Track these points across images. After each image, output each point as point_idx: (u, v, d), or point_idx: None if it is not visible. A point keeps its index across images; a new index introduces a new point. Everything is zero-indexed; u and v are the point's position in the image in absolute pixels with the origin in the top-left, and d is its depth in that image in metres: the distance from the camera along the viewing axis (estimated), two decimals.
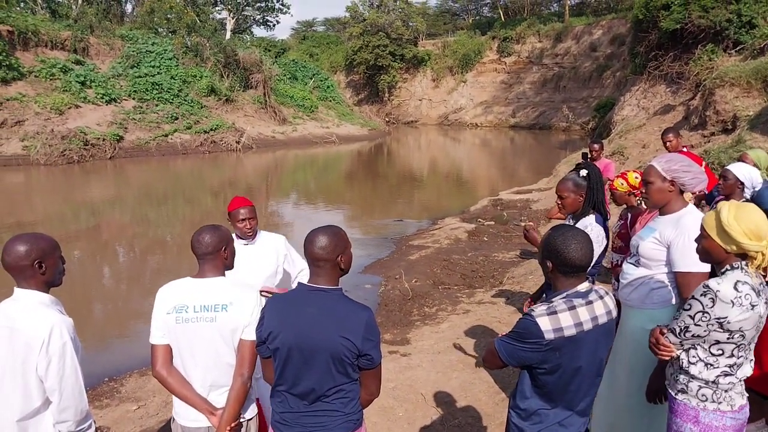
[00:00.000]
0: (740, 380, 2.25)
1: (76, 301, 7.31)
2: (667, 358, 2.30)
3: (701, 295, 2.13)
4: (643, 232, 2.96)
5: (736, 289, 2.10)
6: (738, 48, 14.36)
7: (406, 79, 48.76)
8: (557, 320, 2.02)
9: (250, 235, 3.43)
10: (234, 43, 30.81)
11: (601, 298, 2.14)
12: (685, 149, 5.87)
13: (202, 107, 24.83)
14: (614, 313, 2.18)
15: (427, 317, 6.33)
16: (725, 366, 2.21)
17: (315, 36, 61.51)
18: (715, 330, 2.13)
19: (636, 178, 4.28)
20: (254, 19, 45.91)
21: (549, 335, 2.00)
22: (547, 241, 2.14)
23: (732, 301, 2.08)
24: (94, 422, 2.44)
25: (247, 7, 43.52)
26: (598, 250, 3.32)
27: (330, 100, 35.16)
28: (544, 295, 3.45)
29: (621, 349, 2.94)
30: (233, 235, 3.03)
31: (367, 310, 2.16)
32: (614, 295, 2.70)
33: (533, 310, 2.07)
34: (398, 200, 15.53)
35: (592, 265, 2.23)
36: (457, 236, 10.11)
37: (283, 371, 2.17)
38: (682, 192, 2.87)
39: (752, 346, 2.25)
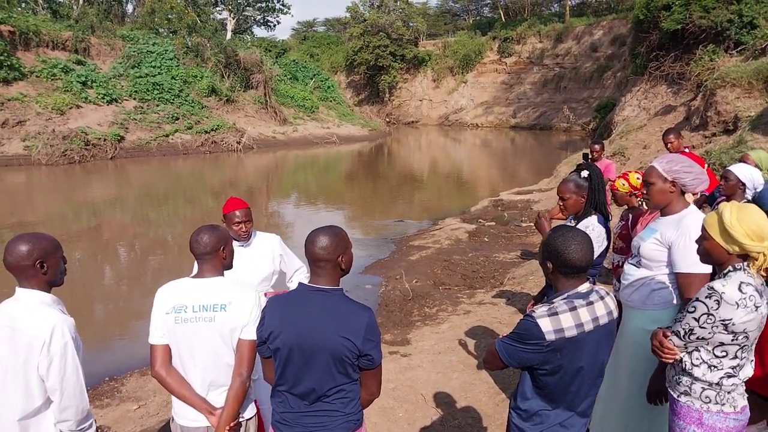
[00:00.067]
0: (742, 381, 2.25)
1: (78, 301, 7.32)
2: (671, 362, 2.29)
3: (706, 297, 2.12)
4: (644, 233, 2.95)
5: (740, 290, 2.10)
6: (739, 48, 14.36)
7: (407, 79, 48.77)
8: (558, 321, 2.02)
9: (245, 238, 3.41)
10: (235, 44, 30.83)
11: (602, 298, 2.14)
12: (687, 150, 5.87)
13: (202, 107, 24.84)
14: (615, 314, 2.18)
15: (428, 318, 6.33)
16: (729, 368, 2.20)
17: (315, 36, 61.53)
18: (719, 332, 2.13)
19: (637, 178, 4.27)
20: (255, 20, 45.94)
21: (550, 336, 2.00)
22: (548, 242, 2.14)
23: (737, 303, 2.08)
24: (95, 421, 2.44)
25: (247, 8, 43.55)
26: (597, 250, 3.32)
27: (330, 101, 35.18)
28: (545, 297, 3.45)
29: (622, 350, 2.93)
30: None
31: (367, 311, 2.16)
32: (615, 296, 2.69)
33: (534, 311, 2.07)
34: (399, 201, 15.54)
35: (592, 265, 2.23)
36: (458, 237, 10.11)
37: (284, 371, 2.17)
38: (683, 193, 2.87)
39: (753, 346, 2.25)
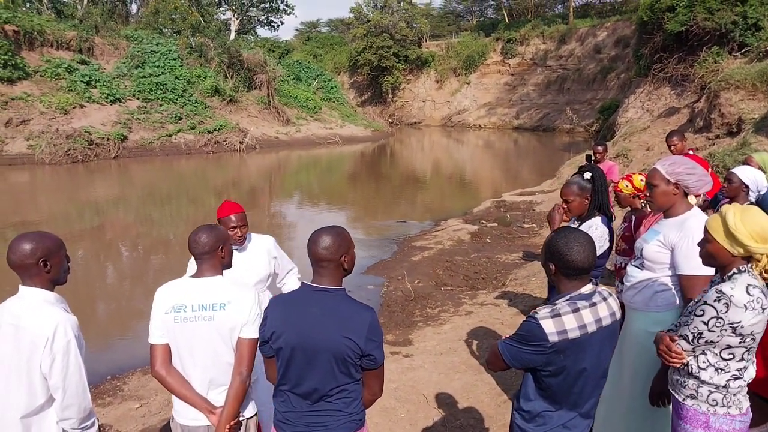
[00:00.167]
0: (746, 383, 2.24)
1: (80, 300, 7.33)
2: (678, 366, 2.28)
3: (715, 300, 2.12)
4: (647, 235, 2.95)
5: (748, 293, 2.10)
6: (743, 50, 14.32)
7: (410, 80, 48.75)
8: (561, 323, 2.01)
9: (240, 243, 3.37)
10: (238, 44, 30.87)
11: (605, 299, 2.14)
12: (690, 152, 5.85)
13: (206, 107, 24.88)
14: (618, 315, 2.18)
15: (430, 318, 6.33)
16: (735, 370, 2.20)
17: (319, 37, 61.55)
18: (728, 335, 2.12)
19: (641, 180, 4.27)
20: (258, 20, 45.93)
21: (553, 338, 2.00)
22: (550, 244, 2.14)
23: (745, 305, 2.08)
24: (97, 420, 2.45)
25: (251, 8, 43.55)
26: (599, 250, 3.32)
27: (333, 101, 35.20)
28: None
29: (625, 351, 2.93)
30: None
31: (370, 311, 2.16)
32: (618, 297, 2.69)
33: (537, 313, 2.07)
34: (401, 201, 15.54)
35: (595, 267, 2.23)
36: (460, 238, 10.11)
37: (286, 371, 2.17)
38: (686, 195, 2.86)
39: (755, 348, 2.25)
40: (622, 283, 3.08)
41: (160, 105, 23.58)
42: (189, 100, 24.49)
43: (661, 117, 15.18)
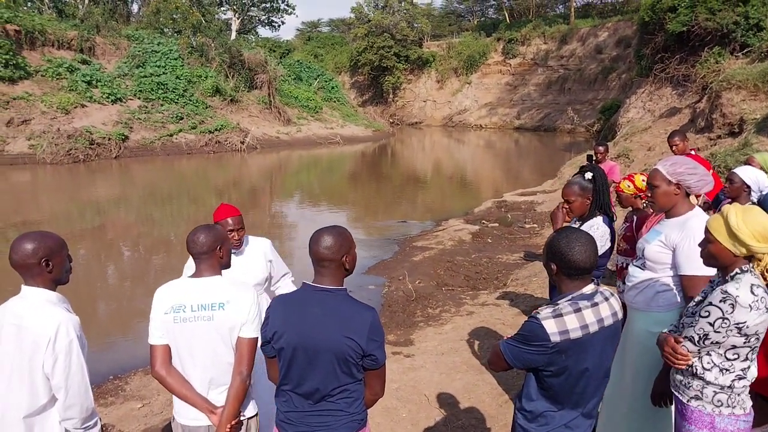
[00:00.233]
0: (750, 382, 2.24)
1: (82, 300, 7.33)
2: (683, 368, 2.27)
3: (720, 301, 2.11)
4: (648, 235, 2.95)
5: (752, 292, 2.10)
6: (745, 51, 14.31)
7: (411, 80, 48.76)
8: (563, 323, 2.01)
9: (237, 246, 3.34)
10: (239, 44, 30.88)
11: (607, 300, 2.14)
12: (692, 152, 5.84)
13: (207, 107, 24.89)
14: (620, 315, 2.18)
15: (431, 318, 6.33)
16: (740, 370, 2.20)
17: (320, 37, 61.56)
18: (733, 335, 2.12)
19: (643, 180, 4.26)
20: (259, 20, 45.95)
21: (555, 338, 2.00)
22: (551, 244, 2.14)
23: (750, 306, 2.08)
24: (100, 420, 2.45)
25: (252, 8, 43.57)
26: (600, 250, 3.31)
27: (334, 101, 35.19)
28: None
29: (626, 351, 2.93)
30: None
31: (371, 311, 2.17)
32: (619, 297, 2.69)
33: (539, 313, 2.07)
34: (402, 201, 15.53)
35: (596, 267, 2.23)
36: (461, 238, 10.10)
37: (288, 371, 2.18)
38: (688, 195, 2.86)
39: (758, 347, 2.25)
40: (624, 283, 3.08)
41: (161, 105, 23.59)
42: (190, 100, 24.51)
43: (663, 117, 15.17)
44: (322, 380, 2.13)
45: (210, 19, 32.25)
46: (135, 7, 37.90)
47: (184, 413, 2.46)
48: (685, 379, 2.30)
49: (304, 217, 13.28)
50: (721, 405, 2.22)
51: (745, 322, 2.08)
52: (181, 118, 23.46)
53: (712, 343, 2.17)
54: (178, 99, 24.17)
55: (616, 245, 4.18)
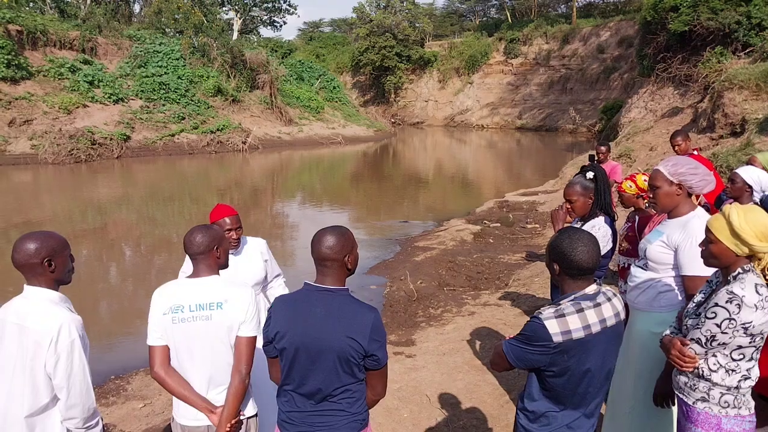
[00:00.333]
0: (754, 382, 2.24)
1: (84, 300, 7.34)
2: (690, 370, 2.26)
3: (727, 302, 2.10)
4: (650, 236, 2.95)
5: (757, 292, 2.10)
6: (747, 50, 14.27)
7: (413, 80, 48.74)
8: (565, 323, 2.01)
9: (235, 246, 3.33)
10: (241, 44, 30.89)
11: (609, 300, 2.14)
12: (695, 152, 5.83)
13: (208, 107, 24.91)
14: (623, 315, 2.18)
15: (433, 319, 6.32)
16: (745, 370, 2.20)
17: (322, 37, 61.59)
18: (739, 335, 2.11)
19: (645, 180, 4.25)
20: (261, 20, 45.95)
21: (557, 338, 2.00)
22: (554, 244, 2.14)
23: (755, 305, 2.08)
24: (101, 419, 2.45)
25: (254, 8, 43.60)
26: (602, 250, 3.31)
27: (336, 101, 35.19)
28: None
29: (628, 352, 2.93)
30: None
31: (373, 311, 2.17)
32: (621, 297, 2.69)
33: (541, 313, 2.07)
34: (403, 201, 15.54)
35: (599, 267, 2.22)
36: (463, 238, 10.10)
37: (290, 371, 2.18)
38: (690, 195, 2.86)
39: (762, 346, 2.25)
40: (626, 283, 3.07)
41: (163, 105, 23.62)
42: (192, 100, 24.53)
43: (665, 117, 15.15)
44: (323, 380, 2.13)
45: (212, 19, 32.26)
46: (137, 8, 38.01)
47: (183, 413, 2.46)
48: (691, 381, 2.29)
49: (305, 217, 13.29)
50: (728, 406, 2.21)
51: (751, 322, 2.08)
52: (183, 118, 23.49)
53: (719, 344, 2.16)
54: (179, 99, 24.20)
55: (617, 245, 4.17)
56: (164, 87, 24.16)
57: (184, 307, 2.37)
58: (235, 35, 38.62)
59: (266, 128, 26.56)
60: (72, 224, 11.77)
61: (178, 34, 29.28)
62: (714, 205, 4.79)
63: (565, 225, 3.56)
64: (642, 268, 2.93)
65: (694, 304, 2.38)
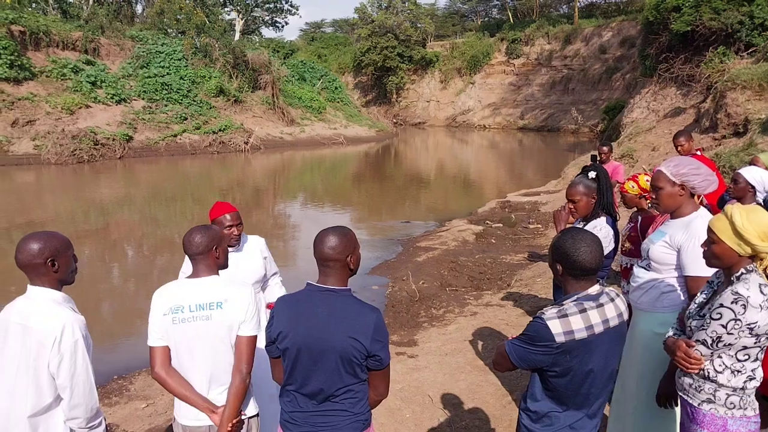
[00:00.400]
0: (759, 383, 2.23)
1: (86, 300, 7.35)
2: (696, 372, 2.25)
3: (732, 302, 2.10)
4: (653, 236, 2.95)
5: (762, 292, 2.09)
6: (750, 50, 14.24)
7: (414, 80, 48.74)
8: (568, 323, 2.01)
9: (236, 242, 3.33)
10: (243, 44, 30.90)
11: (612, 300, 2.13)
12: (698, 152, 5.82)
13: (210, 108, 24.93)
14: (626, 316, 2.17)
15: (435, 319, 6.32)
16: (750, 371, 2.19)
17: (323, 37, 61.61)
18: (745, 336, 2.11)
19: (647, 180, 4.25)
20: (263, 21, 45.99)
21: (560, 338, 2.00)
22: (557, 245, 2.14)
23: (760, 305, 2.07)
24: (104, 419, 2.45)
25: (256, 9, 43.64)
26: (604, 251, 3.31)
27: (338, 102, 35.19)
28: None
29: (631, 352, 2.92)
30: None
31: (376, 311, 2.17)
32: (624, 298, 2.69)
33: (544, 313, 2.07)
34: (405, 202, 15.53)
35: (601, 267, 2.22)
36: (465, 238, 10.09)
37: (293, 371, 2.18)
38: (692, 195, 2.85)
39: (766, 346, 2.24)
40: (629, 283, 3.07)
41: (165, 105, 23.65)
42: (194, 101, 24.57)
43: (667, 117, 15.12)
44: (326, 380, 2.13)
45: (214, 19, 32.32)
46: (139, 8, 38.06)
47: (185, 414, 2.47)
48: (696, 382, 2.27)
49: (307, 218, 13.29)
50: (734, 407, 2.20)
51: (756, 322, 2.07)
52: (185, 119, 23.52)
53: (724, 345, 2.15)
54: (182, 99, 24.23)
55: (620, 246, 4.17)
56: (166, 87, 24.20)
57: (184, 307, 2.38)
58: (237, 36, 38.66)
59: (268, 129, 26.58)
60: (75, 224, 11.79)
61: (180, 35, 29.33)
62: (717, 205, 4.78)
63: (568, 225, 3.56)
64: (645, 269, 2.92)
65: (695, 305, 2.37)
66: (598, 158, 6.84)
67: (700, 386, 2.26)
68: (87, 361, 2.26)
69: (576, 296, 2.09)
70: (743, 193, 4.02)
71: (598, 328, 2.04)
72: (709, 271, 2.47)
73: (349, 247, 2.19)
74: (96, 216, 12.91)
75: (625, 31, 37.73)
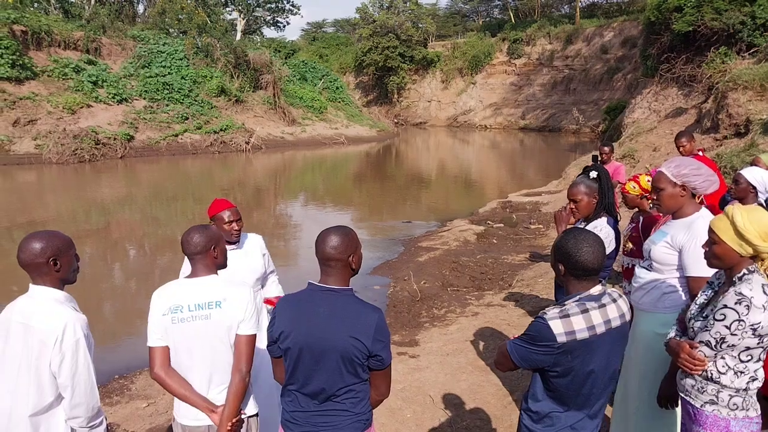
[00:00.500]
0: (761, 383, 2.23)
1: (88, 299, 7.36)
2: (699, 373, 2.24)
3: (736, 303, 2.09)
4: (655, 236, 2.95)
5: (765, 293, 2.09)
6: (752, 51, 14.23)
7: (416, 80, 48.73)
8: (569, 323, 2.01)
9: (236, 238, 3.34)
10: (244, 44, 30.93)
11: (615, 301, 2.13)
12: (700, 153, 5.81)
13: (212, 107, 24.95)
14: (628, 316, 2.17)
15: (436, 319, 6.32)
16: (753, 371, 2.19)
17: (325, 37, 61.63)
18: (748, 337, 2.11)
19: (648, 181, 4.24)
20: (264, 20, 46.05)
21: (561, 338, 2.00)
22: (559, 245, 2.14)
23: (763, 306, 2.07)
24: (105, 419, 2.46)
25: (257, 8, 43.68)
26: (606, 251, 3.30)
27: (339, 101, 35.20)
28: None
29: (632, 353, 2.92)
30: None
31: (377, 311, 2.17)
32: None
33: (546, 313, 2.07)
34: (407, 202, 15.53)
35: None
36: (466, 238, 10.09)
37: (294, 371, 2.18)
38: (694, 196, 2.85)
39: None
40: (631, 284, 3.07)
41: (167, 105, 23.67)
42: (195, 100, 24.58)
43: (668, 117, 15.11)
44: (327, 380, 2.13)
45: (215, 19, 32.36)
46: (141, 8, 38.07)
47: (184, 413, 2.47)
48: (698, 383, 2.27)
49: (308, 218, 13.29)
50: (737, 408, 2.20)
51: (759, 322, 2.07)
52: (187, 119, 23.54)
53: (728, 346, 2.14)
54: (183, 99, 24.25)
55: (622, 246, 4.16)
56: (168, 87, 24.22)
57: (183, 307, 2.38)
58: (239, 35, 38.70)
59: (269, 128, 26.59)
60: (76, 224, 11.80)
61: (181, 35, 29.35)
62: (719, 206, 4.78)
63: (569, 226, 3.56)
64: (646, 269, 2.92)
65: (696, 306, 2.37)
66: (600, 158, 6.84)
67: (702, 387, 2.26)
68: (88, 361, 2.26)
69: (578, 296, 2.09)
70: (744, 193, 4.02)
71: (600, 329, 2.04)
72: (711, 272, 2.46)
73: (350, 246, 2.19)
74: (97, 215, 12.92)
75: (626, 31, 37.69)
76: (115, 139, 20.58)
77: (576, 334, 2.00)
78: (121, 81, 23.47)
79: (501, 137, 37.10)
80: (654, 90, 17.79)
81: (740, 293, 2.10)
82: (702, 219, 2.76)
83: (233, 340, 2.40)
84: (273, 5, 44.16)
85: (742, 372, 2.18)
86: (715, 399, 2.22)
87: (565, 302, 2.09)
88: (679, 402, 2.46)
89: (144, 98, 23.51)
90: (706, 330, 2.19)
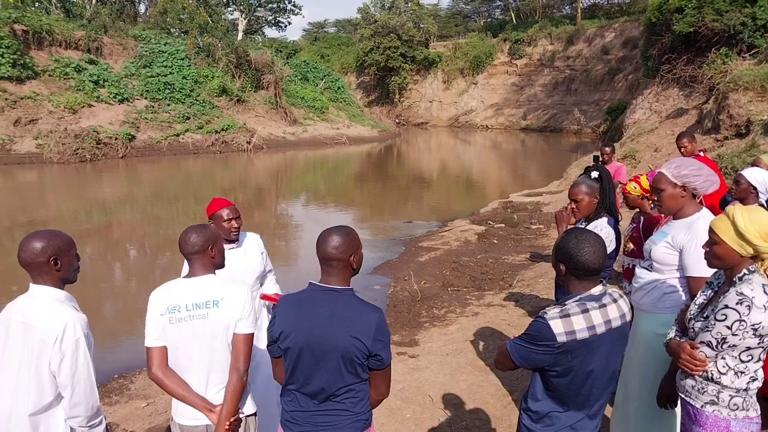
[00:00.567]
0: (761, 383, 2.23)
1: (88, 299, 7.36)
2: (700, 373, 2.24)
3: (737, 303, 2.09)
4: (655, 237, 2.95)
5: (765, 293, 2.09)
6: (752, 52, 14.22)
7: (417, 80, 48.72)
8: (570, 323, 2.01)
9: (235, 236, 3.34)
10: (246, 44, 30.93)
11: (615, 301, 2.13)
12: (701, 153, 5.81)
13: (213, 107, 24.96)
14: (628, 317, 2.17)
15: (436, 319, 6.32)
16: (753, 371, 2.19)
17: (326, 37, 61.62)
18: (749, 337, 2.10)
19: (649, 181, 4.24)
20: (266, 20, 46.04)
21: (561, 338, 2.00)
22: (560, 245, 2.14)
23: (764, 306, 2.07)
24: (105, 418, 2.46)
25: (259, 8, 43.68)
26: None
27: (340, 102, 35.20)
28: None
29: (632, 353, 2.92)
30: None
31: (378, 311, 2.17)
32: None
33: (546, 313, 2.07)
34: (408, 202, 15.53)
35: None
36: (467, 238, 10.09)
37: (294, 370, 2.18)
38: (694, 196, 2.85)
39: None
40: (631, 284, 3.07)
41: (168, 105, 23.68)
42: (196, 100, 24.60)
43: (669, 118, 15.10)
44: (327, 380, 2.13)
45: (217, 19, 32.33)
46: (142, 8, 38.09)
47: (182, 413, 2.47)
48: (699, 384, 2.26)
49: (309, 217, 13.30)
50: (737, 408, 2.19)
51: (760, 322, 2.07)
52: (188, 118, 23.55)
53: (729, 346, 2.14)
54: (184, 99, 24.26)
55: (622, 246, 4.16)
56: (169, 87, 24.23)
57: (181, 306, 2.38)
58: (240, 35, 38.71)
59: (271, 128, 26.60)
60: (77, 223, 11.81)
61: (183, 34, 29.36)
62: (719, 206, 4.77)
63: (570, 226, 3.55)
64: (647, 269, 2.92)
65: (696, 306, 2.37)
66: (601, 159, 6.83)
67: (703, 388, 2.25)
68: (88, 360, 2.26)
69: (579, 296, 2.09)
70: (745, 194, 4.02)
71: (600, 329, 2.04)
72: (711, 272, 2.46)
73: (351, 246, 2.19)
74: (98, 215, 12.93)
75: (627, 32, 37.66)
76: (116, 138, 20.60)
77: (576, 333, 2.01)
78: (123, 81, 23.49)
79: (502, 137, 37.08)
80: (655, 91, 17.78)
81: (741, 293, 2.09)
82: (702, 219, 2.76)
83: (231, 339, 2.40)
84: (274, 5, 44.15)
85: (742, 372, 2.18)
86: (716, 399, 2.22)
87: (566, 302, 2.09)
88: (679, 402, 2.45)
89: (145, 98, 23.52)
90: (707, 330, 2.18)
